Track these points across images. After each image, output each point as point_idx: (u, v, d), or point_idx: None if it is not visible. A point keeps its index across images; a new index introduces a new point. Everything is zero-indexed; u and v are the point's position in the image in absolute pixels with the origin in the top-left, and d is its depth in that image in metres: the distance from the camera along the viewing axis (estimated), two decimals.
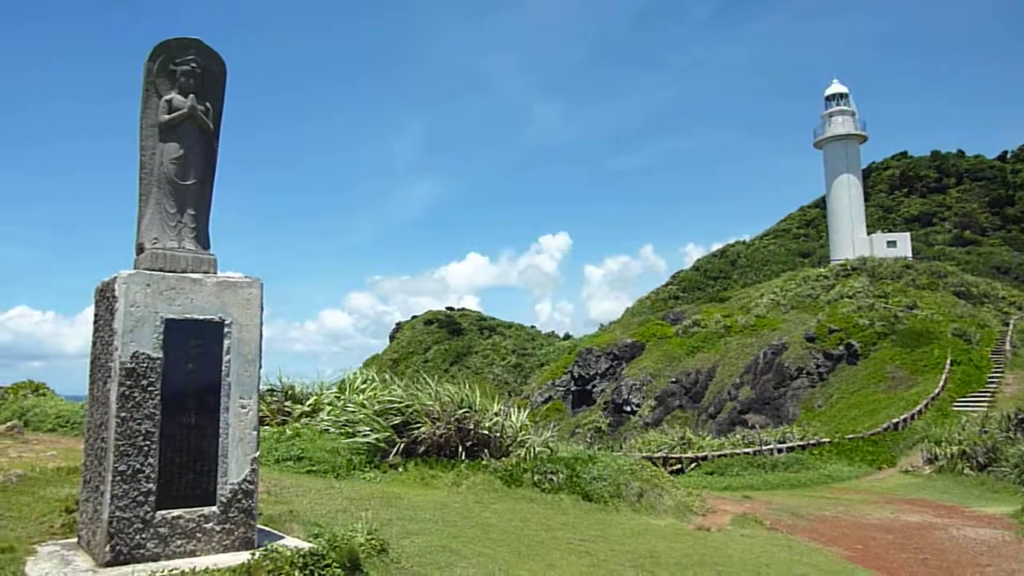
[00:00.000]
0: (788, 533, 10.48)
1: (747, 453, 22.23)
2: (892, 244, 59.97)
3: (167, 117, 5.77)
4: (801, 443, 24.69)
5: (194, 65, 5.84)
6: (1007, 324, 43.03)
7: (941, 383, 32.69)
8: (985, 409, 27.58)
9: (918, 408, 29.72)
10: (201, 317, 5.58)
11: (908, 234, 63.20)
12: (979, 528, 11.81)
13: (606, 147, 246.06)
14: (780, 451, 23.02)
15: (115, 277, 5.44)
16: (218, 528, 5.48)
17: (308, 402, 13.54)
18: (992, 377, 34.05)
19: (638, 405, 47.16)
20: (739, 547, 8.84)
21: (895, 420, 28.19)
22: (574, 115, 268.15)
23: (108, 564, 5.04)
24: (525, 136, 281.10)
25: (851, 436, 26.43)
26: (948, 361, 35.13)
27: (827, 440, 25.56)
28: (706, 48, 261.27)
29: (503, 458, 11.04)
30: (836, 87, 64.14)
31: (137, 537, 5.17)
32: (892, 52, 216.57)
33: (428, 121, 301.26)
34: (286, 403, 13.70)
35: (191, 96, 5.81)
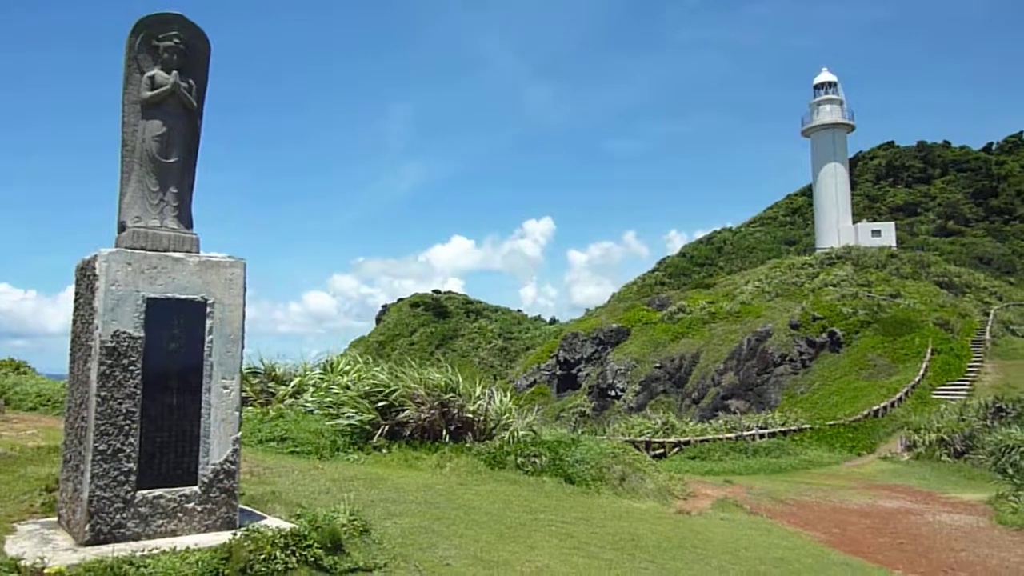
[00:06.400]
0: (768, 517, 10.60)
1: (729, 438, 22.44)
2: (877, 233, 60.42)
3: (149, 94, 5.69)
4: (783, 429, 24.96)
5: (177, 41, 5.75)
6: (988, 314, 43.54)
7: (921, 371, 33.10)
8: (964, 397, 27.96)
9: (898, 396, 30.09)
10: (183, 296, 5.54)
11: (893, 223, 63.69)
12: (955, 514, 11.99)
13: (594, 132, 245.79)
14: (762, 436, 23.26)
15: (96, 255, 5.39)
16: (199, 508, 5.47)
17: (292, 383, 13.50)
18: (972, 366, 34.48)
19: (622, 390, 47.43)
20: (719, 530, 8.93)
21: (875, 407, 28.53)
22: (565, 99, 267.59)
23: (88, 543, 5.02)
24: (514, 119, 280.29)
25: (832, 422, 26.74)
26: (929, 350, 35.53)
27: (808, 426, 25.85)
28: (697, 31, 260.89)
29: (487, 441, 11.08)
30: (825, 75, 64.27)
31: (118, 516, 5.15)
32: (882, 40, 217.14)
33: (418, 103, 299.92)
34: (270, 384, 13.65)
35: (174, 73, 5.72)
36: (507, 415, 11.94)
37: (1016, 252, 74.22)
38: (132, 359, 5.27)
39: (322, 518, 5.75)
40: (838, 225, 61.19)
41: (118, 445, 5.18)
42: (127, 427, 5.22)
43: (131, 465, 5.21)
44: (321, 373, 13.99)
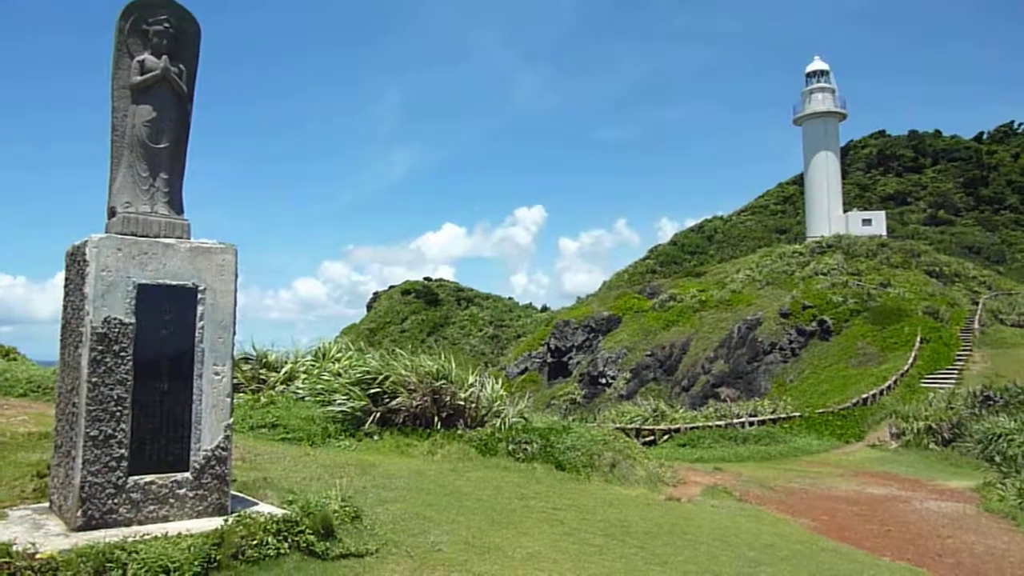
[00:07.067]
0: (757, 504, 10.68)
1: (719, 426, 22.57)
2: (867, 222, 60.61)
3: (139, 79, 5.64)
4: (772, 417, 25.10)
5: (167, 25, 5.71)
6: (976, 303, 43.79)
7: (910, 360, 33.29)
8: (952, 386, 28.15)
9: (887, 384, 30.28)
10: (174, 283, 5.52)
11: (883, 213, 63.92)
12: (942, 501, 12.11)
13: (585, 120, 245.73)
14: (751, 424, 23.40)
15: (86, 241, 5.36)
16: (191, 494, 5.48)
17: (283, 370, 13.49)
18: (960, 355, 34.70)
19: (613, 377, 47.58)
20: (708, 517, 9.00)
21: (864, 395, 28.72)
22: (555, 86, 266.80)
23: (80, 528, 5.02)
24: (505, 107, 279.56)
25: (821, 411, 26.90)
26: (918, 339, 35.73)
27: (797, 414, 26.01)
28: (689, 19, 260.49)
29: (478, 428, 11.11)
30: (817, 64, 64.23)
31: (109, 502, 5.16)
32: (874, 29, 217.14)
33: (408, 90, 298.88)
34: (261, 371, 13.64)
35: (164, 57, 5.68)
36: (498, 402, 11.97)
37: (1006, 241, 74.71)
38: (123, 345, 5.26)
39: (314, 504, 5.76)
40: (829, 214, 61.33)
41: (109, 431, 5.17)
42: (118, 413, 5.21)
43: (122, 451, 5.21)
44: (313, 360, 13.98)
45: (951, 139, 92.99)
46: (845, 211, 62.73)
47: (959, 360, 33.96)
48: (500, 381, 13.27)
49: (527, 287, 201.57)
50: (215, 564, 4.78)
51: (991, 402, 20.65)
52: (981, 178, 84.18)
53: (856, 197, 79.51)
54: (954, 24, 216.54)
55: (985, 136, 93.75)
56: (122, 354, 5.25)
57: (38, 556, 4.47)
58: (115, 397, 5.21)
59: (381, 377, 10.97)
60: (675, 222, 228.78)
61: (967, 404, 21.08)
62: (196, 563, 4.67)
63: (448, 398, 11.06)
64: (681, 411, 27.33)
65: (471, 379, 11.68)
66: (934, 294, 45.85)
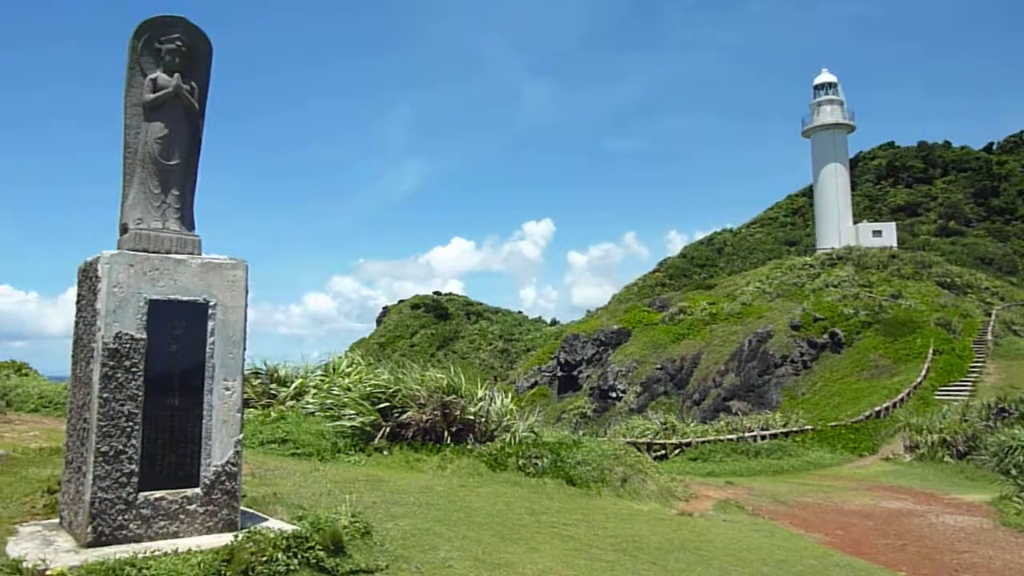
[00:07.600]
0: (769, 518, 10.59)
1: (730, 439, 22.41)
2: (878, 234, 60.38)
3: (152, 96, 5.69)
4: (784, 430, 24.91)
5: (179, 43, 5.76)
6: (989, 314, 43.48)
7: (923, 372, 33.04)
8: (966, 398, 27.91)
9: (900, 396, 30.04)
10: (185, 298, 5.54)
11: (894, 224, 63.64)
12: (958, 515, 11.98)
13: (593, 132, 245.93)
14: (763, 438, 23.23)
15: (98, 257, 5.39)
16: (201, 510, 5.47)
17: (293, 385, 13.51)
18: (974, 366, 34.42)
19: (623, 391, 47.40)
20: (721, 532, 8.92)
21: (877, 408, 28.48)
22: (563, 98, 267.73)
23: (90, 545, 5.02)
24: (513, 120, 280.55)
25: (833, 424, 26.71)
26: (931, 350, 35.47)
27: (810, 427, 25.82)
28: (697, 31, 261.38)
29: (488, 442, 11.07)
30: (825, 76, 64.28)
31: (120, 518, 5.15)
32: (882, 40, 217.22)
33: (416, 105, 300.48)
34: (271, 386, 13.67)
35: (176, 75, 5.73)
36: (508, 416, 11.94)
37: (1017, 252, 74.16)
38: (134, 361, 5.27)
39: (324, 520, 5.74)
40: (839, 226, 61.17)
41: (120, 447, 5.18)
42: (129, 429, 5.22)
43: (133, 467, 5.21)
44: (322, 375, 14.00)
45: (961, 150, 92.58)
46: (855, 223, 62.55)
47: (972, 372, 33.69)
48: (510, 395, 13.26)
49: (536, 301, 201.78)
50: None
51: (1006, 414, 20.45)
52: (992, 188, 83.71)
53: (866, 209, 79.23)
54: (962, 35, 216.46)
55: (995, 146, 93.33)
56: (133, 370, 5.26)
57: (48, 573, 4.47)
58: (126, 413, 5.22)
59: (391, 392, 10.97)
60: (684, 235, 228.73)
61: (981, 416, 20.88)
62: None
63: (458, 412, 11.04)
64: (692, 425, 27.17)
65: (481, 393, 11.67)
66: (946, 305, 45.55)
